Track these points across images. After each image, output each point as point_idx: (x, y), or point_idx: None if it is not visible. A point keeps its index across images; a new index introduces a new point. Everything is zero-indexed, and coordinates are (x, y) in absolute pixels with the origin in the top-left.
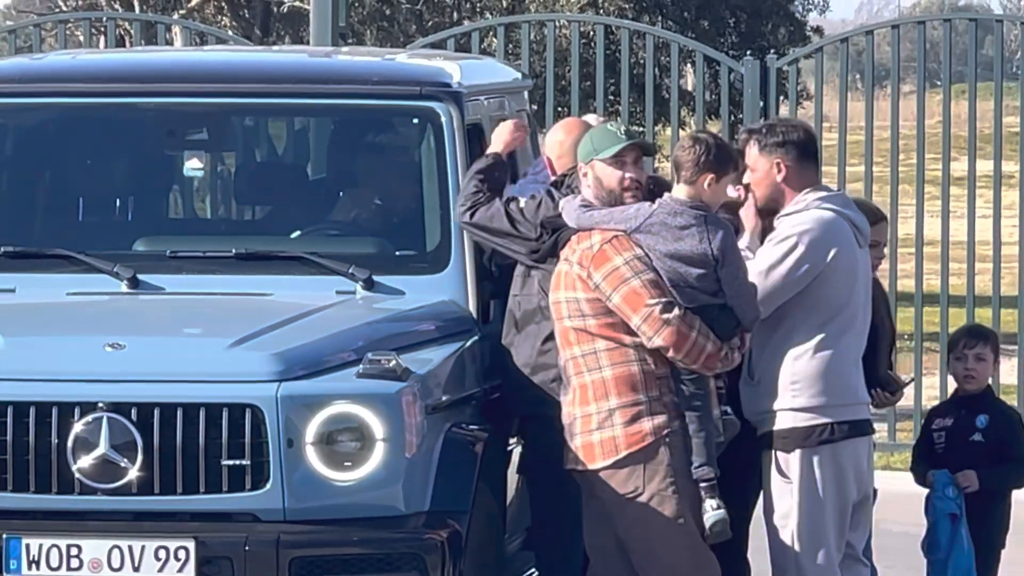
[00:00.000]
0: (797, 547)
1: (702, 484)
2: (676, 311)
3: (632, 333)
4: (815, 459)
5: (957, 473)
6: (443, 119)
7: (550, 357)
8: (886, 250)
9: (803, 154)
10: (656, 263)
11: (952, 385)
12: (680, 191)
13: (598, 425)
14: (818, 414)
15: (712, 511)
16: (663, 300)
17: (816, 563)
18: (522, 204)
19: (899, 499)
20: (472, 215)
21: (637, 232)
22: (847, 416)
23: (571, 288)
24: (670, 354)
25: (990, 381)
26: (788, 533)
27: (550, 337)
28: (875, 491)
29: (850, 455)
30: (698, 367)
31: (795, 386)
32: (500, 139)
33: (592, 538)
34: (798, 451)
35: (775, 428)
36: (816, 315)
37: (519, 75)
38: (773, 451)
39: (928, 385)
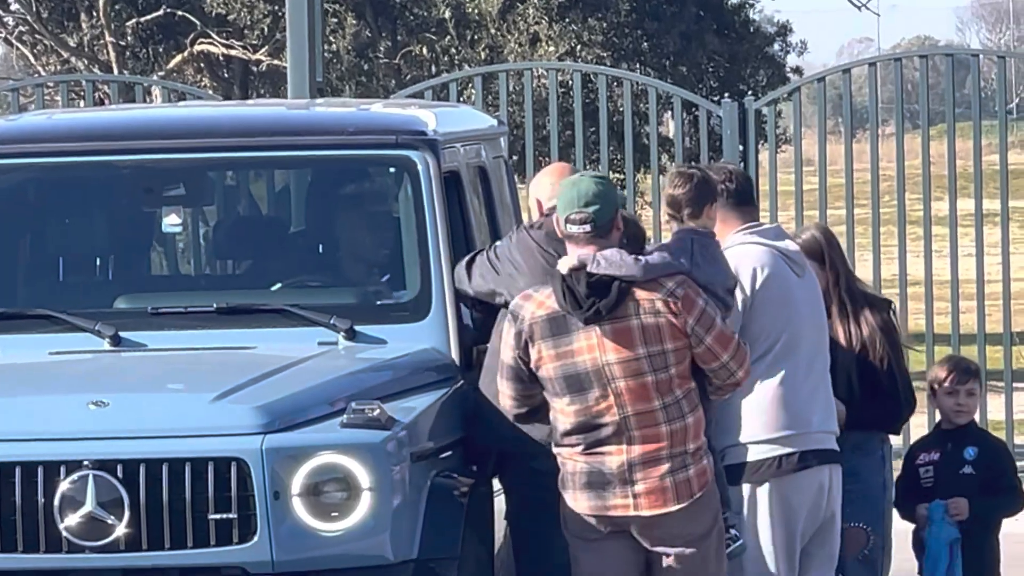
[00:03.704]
0: None
1: (725, 514)
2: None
3: (692, 376)
4: (759, 492)
5: (949, 501)
6: (419, 167)
7: None
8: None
9: (735, 201)
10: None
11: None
12: (688, 225)
13: (671, 470)
14: (765, 446)
15: (736, 540)
16: (737, 335)
17: None
18: (498, 245)
19: (899, 537)
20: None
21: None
22: (795, 447)
23: (656, 342)
24: (735, 385)
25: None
26: (736, 564)
27: None
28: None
29: (800, 486)
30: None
31: (741, 421)
32: None
33: None
34: (746, 485)
35: (729, 463)
36: (754, 347)
37: (495, 122)
38: (730, 487)
39: (916, 424)
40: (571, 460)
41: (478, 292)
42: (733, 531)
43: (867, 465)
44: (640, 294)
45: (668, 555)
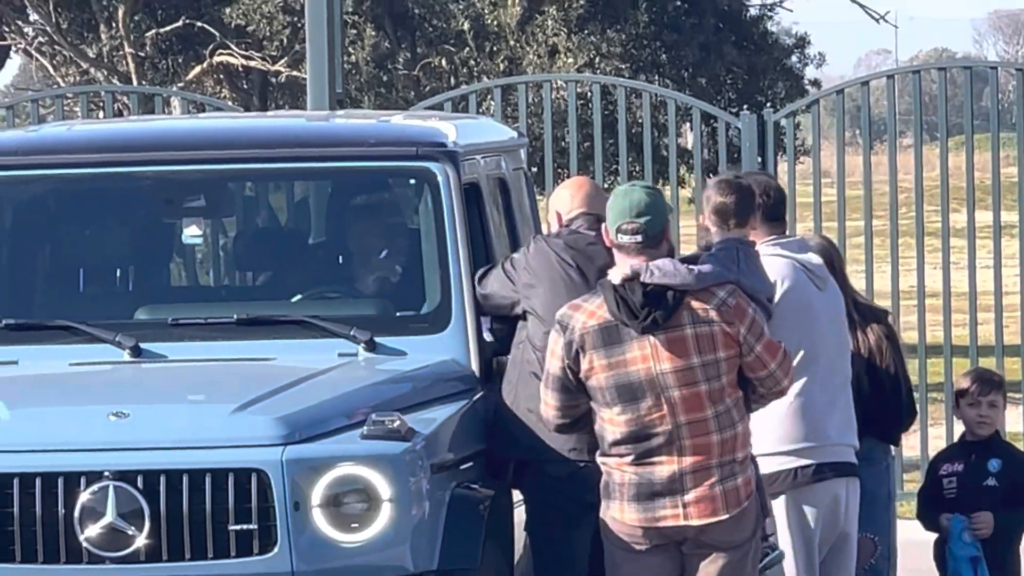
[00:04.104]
0: None
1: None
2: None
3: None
4: (775, 504)
5: (973, 515)
6: (440, 179)
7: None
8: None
9: (769, 215)
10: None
11: (956, 434)
12: (731, 234)
13: (720, 479)
14: (781, 458)
15: (774, 549)
16: (783, 344)
17: None
18: (515, 256)
19: (907, 547)
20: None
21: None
22: (812, 459)
23: (709, 350)
24: (779, 394)
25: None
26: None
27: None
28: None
29: (815, 497)
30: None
31: (761, 432)
32: None
33: None
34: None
35: None
36: None
37: (515, 134)
38: None
39: (934, 436)
40: (618, 470)
41: (495, 302)
42: (772, 539)
43: (873, 475)
44: (693, 303)
45: (707, 562)
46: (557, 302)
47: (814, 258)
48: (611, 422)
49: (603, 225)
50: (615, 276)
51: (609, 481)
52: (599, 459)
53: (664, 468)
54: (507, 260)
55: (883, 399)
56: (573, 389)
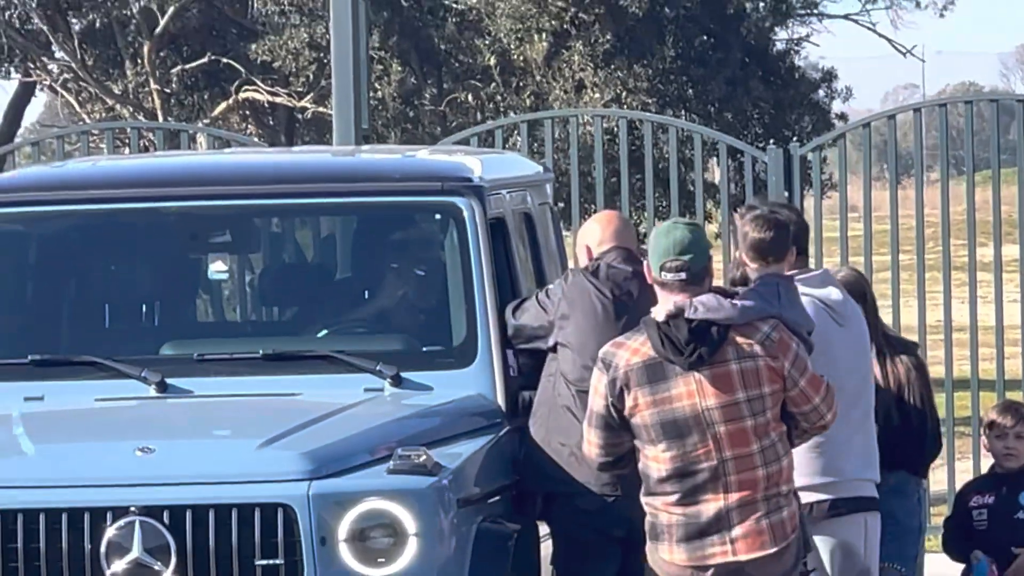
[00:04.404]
0: None
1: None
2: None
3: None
4: None
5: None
6: (465, 214)
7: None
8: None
9: None
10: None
11: (984, 467)
12: (769, 270)
13: (767, 512)
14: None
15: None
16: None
17: None
18: (550, 287)
19: None
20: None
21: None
22: (828, 494)
23: (755, 385)
24: (823, 428)
25: None
26: None
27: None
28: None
29: (831, 533)
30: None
31: None
32: None
33: None
34: None
35: None
36: None
37: (540, 168)
38: None
39: (961, 470)
40: (665, 512)
41: (528, 333)
42: (814, 574)
43: (904, 507)
44: (737, 338)
45: None
46: (592, 335)
47: (834, 293)
48: (656, 459)
49: (645, 263)
50: (659, 313)
51: (656, 522)
52: (643, 499)
53: (710, 506)
54: (542, 291)
55: (909, 431)
56: (617, 427)
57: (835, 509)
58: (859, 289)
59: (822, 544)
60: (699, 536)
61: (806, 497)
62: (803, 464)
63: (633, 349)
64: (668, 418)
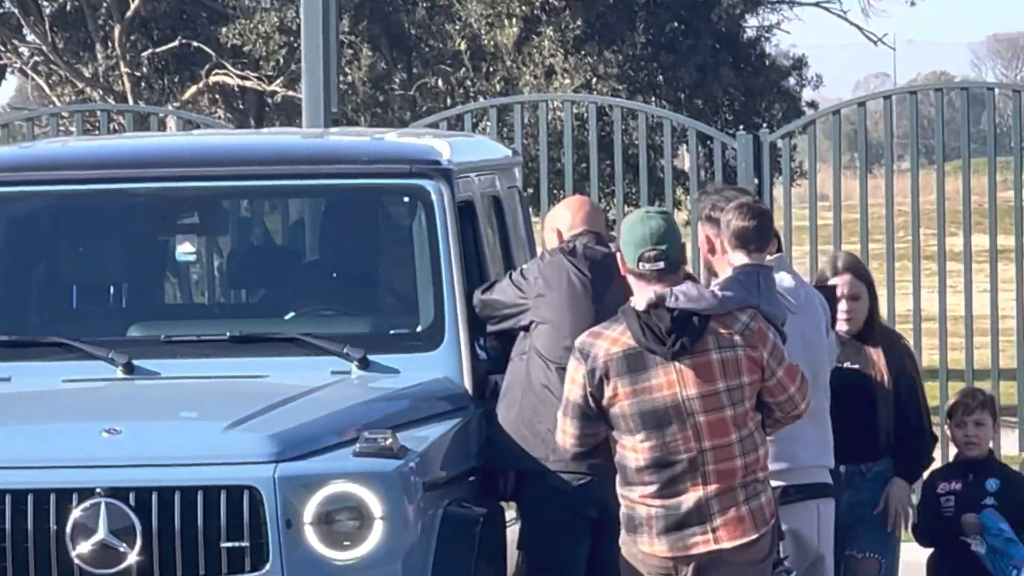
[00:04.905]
0: None
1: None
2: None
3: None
4: None
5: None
6: (434, 197)
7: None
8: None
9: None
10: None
11: (951, 454)
12: (751, 258)
13: (746, 498)
14: None
15: (789, 573)
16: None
17: None
18: (525, 267)
19: (906, 568)
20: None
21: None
22: (780, 481)
23: (734, 375)
24: (796, 417)
25: (991, 445)
26: None
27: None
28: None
29: (783, 519)
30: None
31: None
32: None
33: None
34: None
35: None
36: None
37: (509, 152)
38: None
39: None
40: (643, 504)
41: (501, 312)
42: (787, 563)
43: (880, 494)
44: (718, 328)
45: None
46: (569, 313)
47: (787, 280)
48: (634, 449)
49: (618, 253)
50: (639, 303)
51: (633, 515)
52: (620, 491)
53: (690, 496)
54: (516, 271)
55: (909, 425)
56: (594, 417)
57: (787, 496)
58: (864, 272)
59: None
60: (680, 527)
61: None
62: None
63: (612, 339)
64: (648, 408)
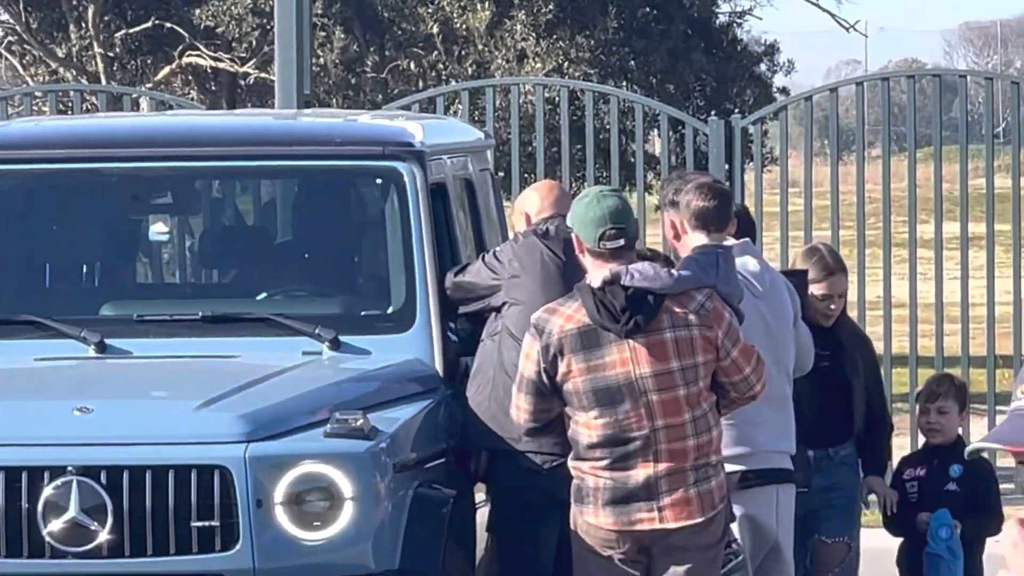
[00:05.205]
0: None
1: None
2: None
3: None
4: None
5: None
6: (406, 179)
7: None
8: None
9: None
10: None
11: (920, 444)
12: (710, 239)
13: (695, 481)
14: None
15: (737, 556)
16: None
17: None
18: (498, 249)
19: (870, 554)
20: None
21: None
22: (739, 465)
23: (689, 355)
24: (751, 398)
25: (960, 431)
26: None
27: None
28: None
29: (742, 504)
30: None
31: None
32: None
33: None
34: None
35: None
36: None
37: (482, 135)
38: None
39: (898, 445)
40: (592, 475)
41: (474, 293)
42: (735, 546)
43: (850, 479)
44: (673, 307)
45: (675, 564)
46: (543, 294)
47: (751, 263)
48: (587, 426)
49: (574, 234)
50: (594, 280)
51: (582, 485)
52: (571, 463)
53: (639, 472)
54: (489, 253)
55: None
56: (547, 393)
57: (746, 481)
58: (840, 262)
59: (736, 514)
60: (626, 501)
61: None
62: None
63: (567, 315)
64: (601, 385)
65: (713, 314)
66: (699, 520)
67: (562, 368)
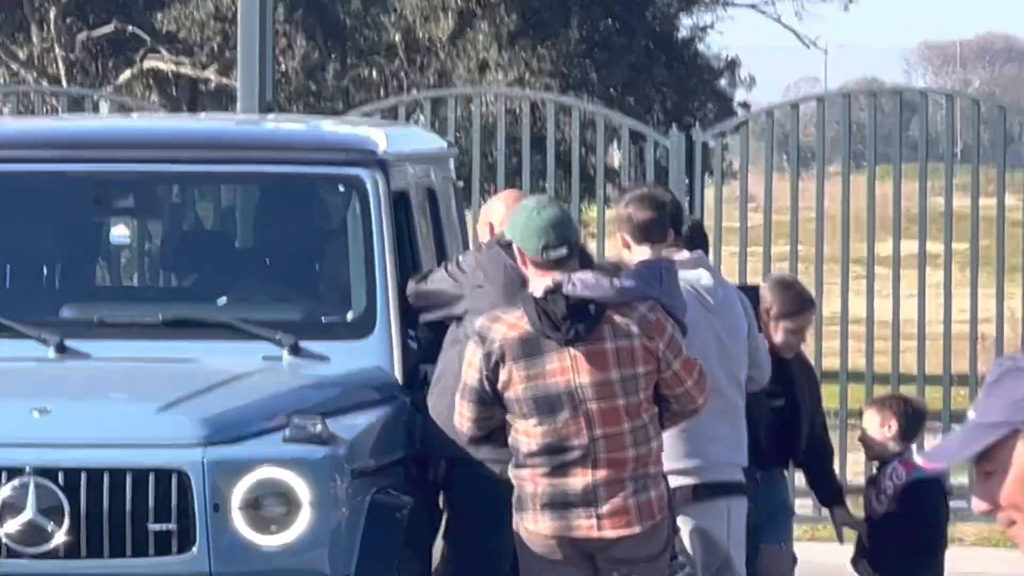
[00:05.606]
0: None
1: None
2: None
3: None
4: None
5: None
6: (369, 186)
7: None
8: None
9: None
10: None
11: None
12: (652, 252)
13: (634, 491)
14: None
15: (682, 567)
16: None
17: None
18: (461, 258)
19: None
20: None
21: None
22: (691, 478)
23: (629, 365)
24: (694, 411)
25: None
26: None
27: None
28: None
29: (693, 517)
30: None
31: None
32: None
33: None
34: None
35: None
36: None
37: (444, 143)
38: None
39: (853, 461)
40: (531, 482)
41: (437, 300)
42: (682, 557)
43: (784, 488)
44: (615, 317)
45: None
46: (506, 304)
47: (704, 277)
48: (527, 434)
49: (515, 246)
50: (536, 289)
51: (522, 493)
52: (512, 471)
53: (578, 480)
54: (451, 262)
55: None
56: (489, 401)
57: (697, 494)
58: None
59: (684, 528)
60: (564, 507)
61: (672, 481)
62: (669, 448)
63: (509, 323)
64: (541, 393)
65: (655, 326)
66: (637, 530)
67: (503, 376)
